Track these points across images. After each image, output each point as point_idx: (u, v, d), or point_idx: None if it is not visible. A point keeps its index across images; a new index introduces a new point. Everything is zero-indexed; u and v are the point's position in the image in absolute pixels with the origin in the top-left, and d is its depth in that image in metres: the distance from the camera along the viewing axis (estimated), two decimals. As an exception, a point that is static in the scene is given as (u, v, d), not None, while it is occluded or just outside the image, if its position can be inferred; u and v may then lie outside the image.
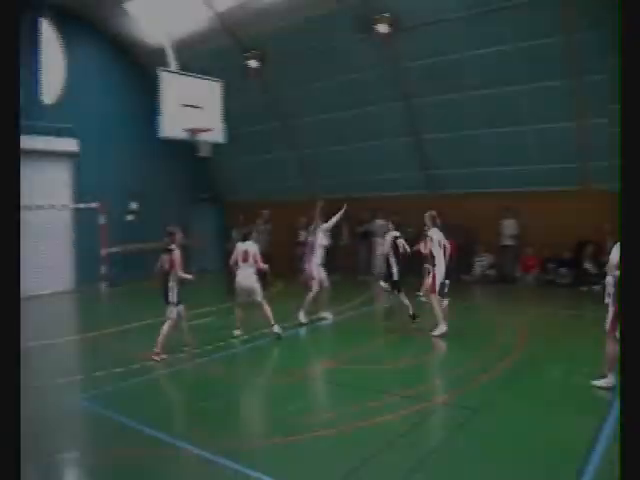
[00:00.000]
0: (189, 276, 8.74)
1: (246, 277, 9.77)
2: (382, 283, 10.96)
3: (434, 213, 10.15)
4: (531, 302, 13.46)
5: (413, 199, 16.36)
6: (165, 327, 8.64)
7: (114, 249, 17.00)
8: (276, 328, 9.78)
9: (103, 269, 16.93)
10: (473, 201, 15.75)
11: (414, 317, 10.46)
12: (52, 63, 16.66)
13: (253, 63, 16.89)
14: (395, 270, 10.60)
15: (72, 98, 16.81)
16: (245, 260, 9.79)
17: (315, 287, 10.92)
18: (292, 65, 16.71)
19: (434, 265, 9.87)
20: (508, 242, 15.51)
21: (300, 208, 15.66)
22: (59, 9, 16.50)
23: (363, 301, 13.18)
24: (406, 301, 10.62)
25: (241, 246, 9.95)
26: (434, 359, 8.58)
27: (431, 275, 9.96)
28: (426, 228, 10.05)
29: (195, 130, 10.73)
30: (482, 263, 15.99)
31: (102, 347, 10.01)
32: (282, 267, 16.38)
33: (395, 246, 10.64)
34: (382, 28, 14.21)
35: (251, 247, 9.90)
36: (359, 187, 17.81)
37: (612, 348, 6.44)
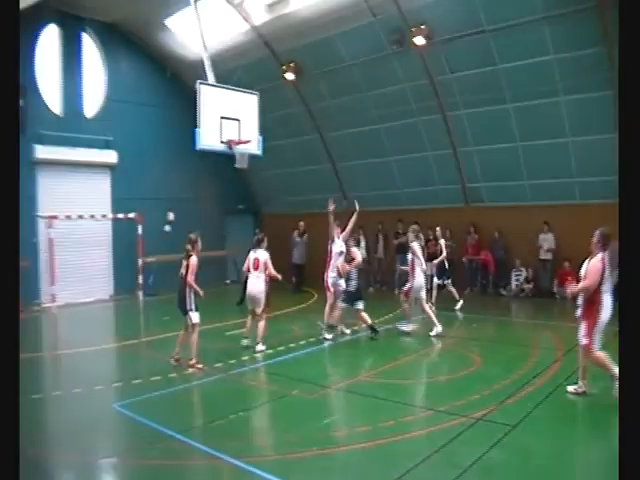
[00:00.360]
0: (199, 289, 8.64)
1: (254, 285, 9.85)
2: (341, 303, 10.77)
3: (417, 227, 11.30)
4: (568, 317, 13.12)
5: (451, 212, 16.26)
6: (194, 335, 8.73)
7: (151, 259, 17.27)
8: (259, 347, 9.80)
9: (140, 278, 17.23)
10: (510, 214, 15.57)
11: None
12: (93, 77, 17.14)
13: (290, 76, 17.07)
14: (354, 283, 10.64)
15: (112, 111, 17.27)
16: (256, 268, 9.87)
17: (330, 299, 10.85)
18: (328, 78, 16.83)
19: (413, 276, 10.85)
20: (546, 256, 15.29)
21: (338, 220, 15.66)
22: (100, 24, 17.01)
23: (397, 315, 13.06)
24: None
25: (252, 254, 10.05)
26: (469, 374, 8.43)
27: (408, 283, 11.02)
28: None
29: (232, 142, 10.84)
30: (519, 277, 15.77)
31: (140, 355, 10.17)
32: (319, 279, 16.40)
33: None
34: (418, 40, 14.17)
35: (262, 255, 9.96)
36: (395, 200, 17.76)
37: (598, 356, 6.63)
